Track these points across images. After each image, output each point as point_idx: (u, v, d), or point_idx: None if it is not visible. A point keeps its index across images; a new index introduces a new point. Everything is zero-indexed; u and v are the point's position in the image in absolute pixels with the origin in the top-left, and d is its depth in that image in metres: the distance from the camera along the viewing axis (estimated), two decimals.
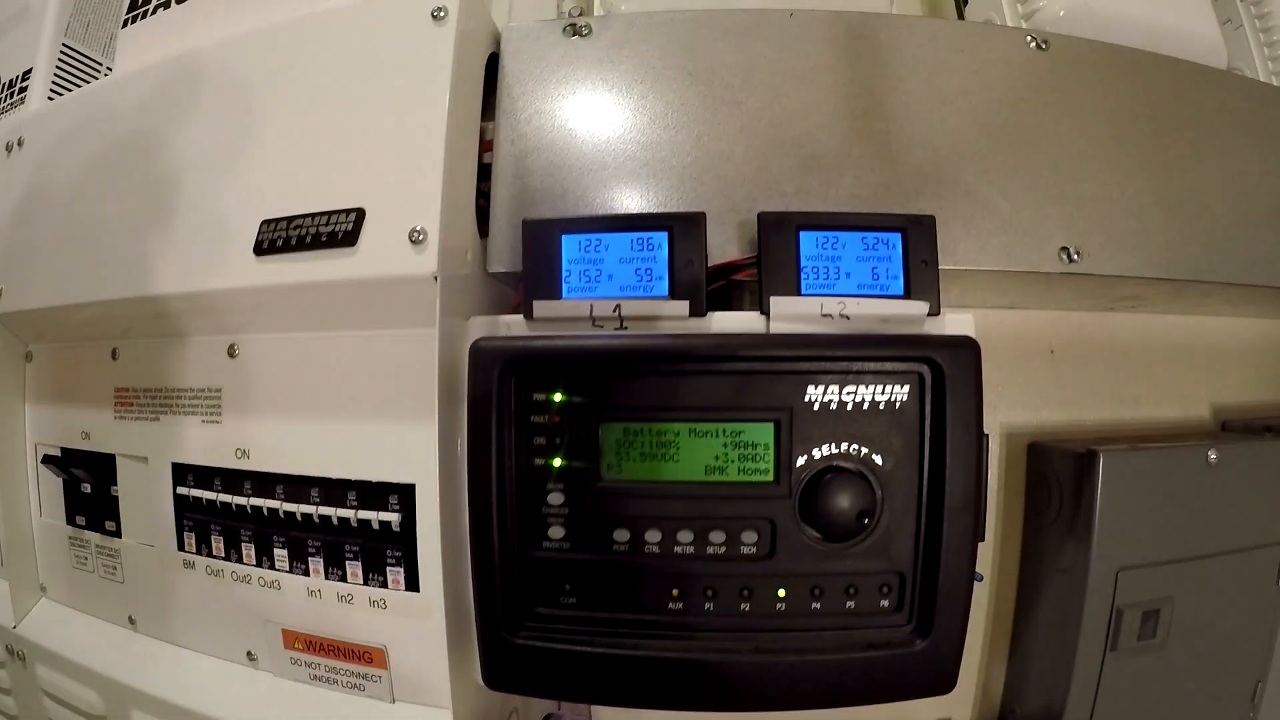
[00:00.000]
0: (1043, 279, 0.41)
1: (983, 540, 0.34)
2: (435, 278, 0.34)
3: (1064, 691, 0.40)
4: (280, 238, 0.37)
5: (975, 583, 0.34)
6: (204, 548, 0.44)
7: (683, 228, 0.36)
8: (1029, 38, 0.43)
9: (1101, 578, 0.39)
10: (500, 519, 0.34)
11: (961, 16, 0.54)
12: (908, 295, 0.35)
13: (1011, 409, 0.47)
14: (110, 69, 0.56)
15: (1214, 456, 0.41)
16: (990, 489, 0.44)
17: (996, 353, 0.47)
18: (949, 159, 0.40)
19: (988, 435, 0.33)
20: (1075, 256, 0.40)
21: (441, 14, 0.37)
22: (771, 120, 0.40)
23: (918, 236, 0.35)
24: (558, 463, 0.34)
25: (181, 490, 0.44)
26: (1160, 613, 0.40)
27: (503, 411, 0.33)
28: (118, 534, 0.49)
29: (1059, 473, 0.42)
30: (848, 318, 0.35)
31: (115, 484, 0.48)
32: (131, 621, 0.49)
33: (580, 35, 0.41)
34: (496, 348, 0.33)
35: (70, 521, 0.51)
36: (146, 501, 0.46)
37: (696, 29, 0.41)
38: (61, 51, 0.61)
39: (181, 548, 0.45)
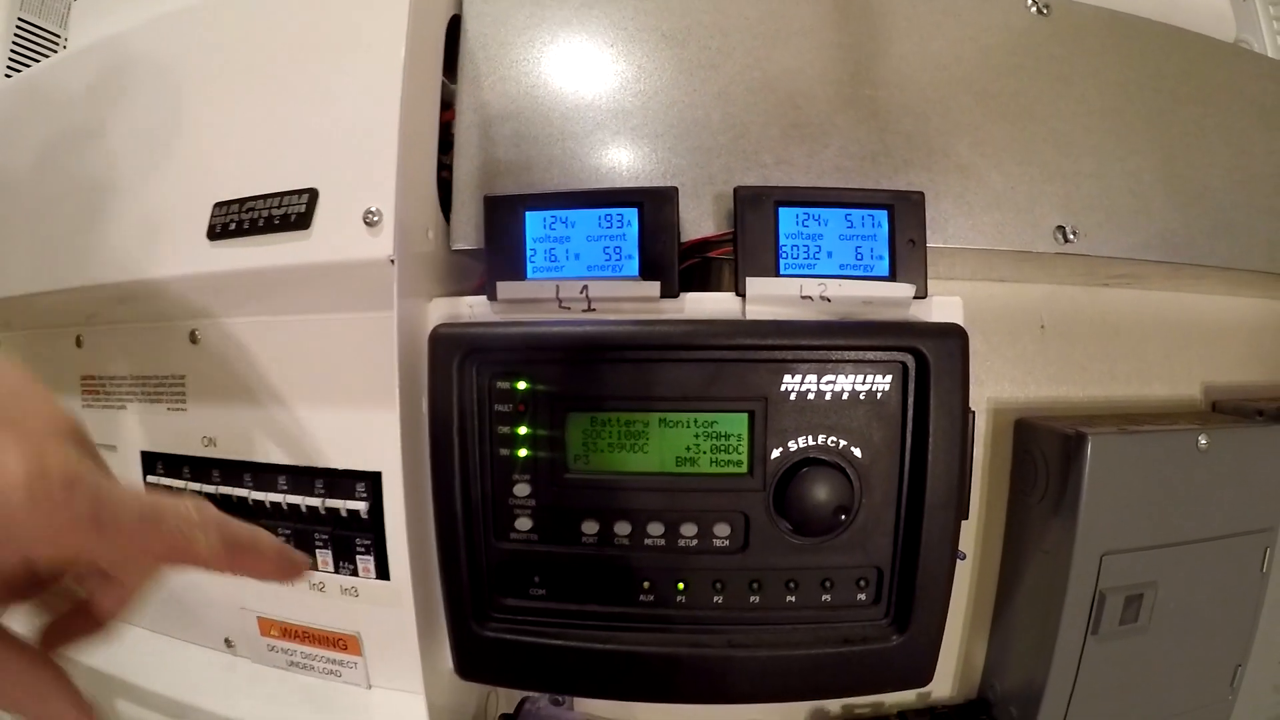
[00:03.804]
0: (1036, 255, 0.39)
1: (966, 519, 0.33)
2: (391, 261, 0.32)
3: (1044, 672, 0.40)
4: (233, 221, 0.35)
5: (958, 561, 0.33)
6: None
7: (654, 203, 0.34)
8: (1030, 1, 0.41)
9: (1085, 562, 0.38)
10: (465, 511, 0.33)
11: None
12: (893, 276, 0.33)
13: (999, 384, 0.46)
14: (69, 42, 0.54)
15: (1204, 441, 0.40)
16: (975, 465, 0.43)
17: (985, 326, 0.45)
18: (941, 129, 0.38)
19: (974, 412, 0.32)
20: (1071, 236, 0.38)
21: None
22: (751, 85, 0.37)
23: (905, 214, 0.33)
24: (523, 453, 0.33)
25: (152, 479, 0.43)
26: (1143, 597, 0.40)
27: (465, 401, 0.32)
28: None
29: (1046, 452, 0.41)
30: (828, 300, 0.33)
31: None
32: None
33: None
34: (456, 335, 0.32)
35: None
36: None
37: None
38: (18, 26, 0.59)
39: None
